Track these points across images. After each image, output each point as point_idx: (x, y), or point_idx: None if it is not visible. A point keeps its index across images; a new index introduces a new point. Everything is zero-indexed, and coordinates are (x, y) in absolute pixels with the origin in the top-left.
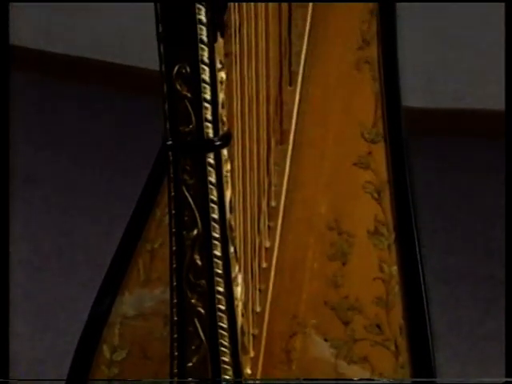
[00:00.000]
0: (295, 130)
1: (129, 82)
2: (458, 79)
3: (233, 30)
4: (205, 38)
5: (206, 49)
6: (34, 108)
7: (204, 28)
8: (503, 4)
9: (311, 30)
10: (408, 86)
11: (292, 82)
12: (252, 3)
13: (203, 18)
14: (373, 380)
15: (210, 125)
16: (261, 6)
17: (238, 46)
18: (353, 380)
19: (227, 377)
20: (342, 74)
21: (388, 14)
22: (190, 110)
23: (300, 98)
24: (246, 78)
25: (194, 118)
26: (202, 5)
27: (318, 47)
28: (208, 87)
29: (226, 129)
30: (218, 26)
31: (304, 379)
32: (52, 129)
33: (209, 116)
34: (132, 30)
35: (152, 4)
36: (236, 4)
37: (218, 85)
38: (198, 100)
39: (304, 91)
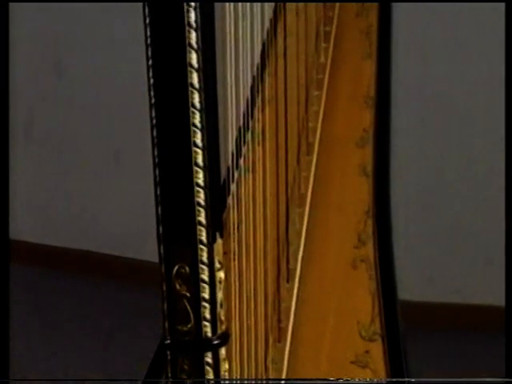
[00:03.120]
0: (293, 327)
1: (127, 275)
2: (458, 275)
3: (232, 229)
4: (204, 239)
5: (205, 249)
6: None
7: (203, 229)
8: None
9: (309, 228)
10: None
11: (289, 278)
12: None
13: (203, 219)
14: (371, 380)
15: (208, 324)
16: (259, 191)
17: (236, 244)
18: (353, 380)
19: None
20: (338, 272)
21: (384, 216)
22: (189, 309)
23: (297, 294)
24: (244, 275)
25: (192, 317)
26: (202, 207)
27: (314, 243)
28: (207, 287)
29: (224, 327)
30: (217, 226)
31: (299, 379)
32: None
33: (207, 315)
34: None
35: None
36: (235, 203)
37: (217, 284)
38: (196, 299)
39: (301, 288)
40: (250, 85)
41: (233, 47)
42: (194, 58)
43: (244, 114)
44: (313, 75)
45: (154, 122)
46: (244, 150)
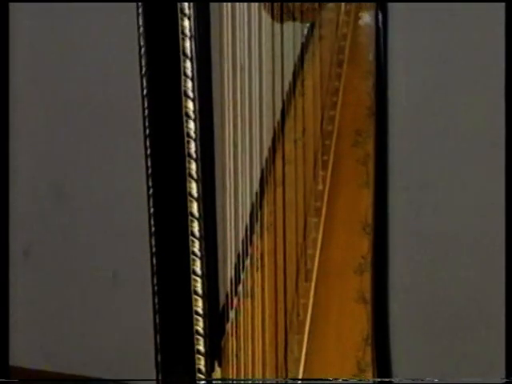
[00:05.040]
0: None
1: None
2: None
3: (230, 357)
4: (203, 368)
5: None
6: None
7: (202, 358)
8: None
9: (307, 357)
10: None
11: None
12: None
13: (201, 348)
14: (368, 380)
15: None
16: (257, 318)
17: (235, 372)
18: (353, 380)
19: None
20: None
21: (383, 344)
22: None
23: None
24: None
25: None
26: (201, 335)
27: (313, 372)
28: None
29: None
30: (215, 354)
31: (294, 379)
32: None
33: None
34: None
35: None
36: (234, 330)
37: None
38: None
39: None
40: (249, 212)
41: (232, 182)
42: (194, 188)
43: (243, 241)
44: (311, 202)
45: (155, 262)
46: (243, 276)
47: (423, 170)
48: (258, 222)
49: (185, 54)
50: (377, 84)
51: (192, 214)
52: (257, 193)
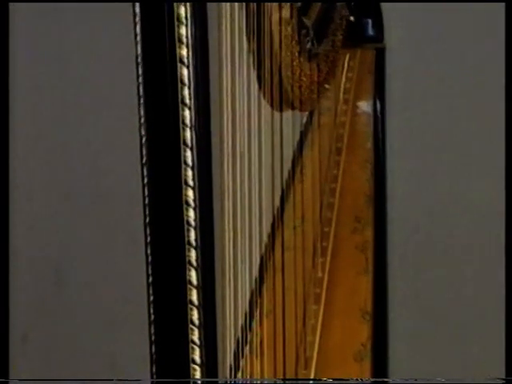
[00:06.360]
0: None
1: None
2: None
3: None
4: None
5: None
6: None
7: None
8: None
9: None
10: None
11: None
12: None
13: None
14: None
15: None
16: None
17: None
18: (353, 380)
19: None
20: None
21: None
22: None
23: None
24: None
25: None
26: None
27: None
28: None
29: None
30: None
31: (290, 379)
32: None
33: None
34: None
35: None
36: None
37: None
38: None
39: None
40: (248, 299)
41: (231, 269)
42: (193, 276)
43: (242, 327)
44: (310, 289)
45: (154, 351)
46: (242, 363)
47: (422, 256)
48: (258, 309)
49: (185, 144)
50: (375, 171)
51: (192, 302)
52: (256, 279)
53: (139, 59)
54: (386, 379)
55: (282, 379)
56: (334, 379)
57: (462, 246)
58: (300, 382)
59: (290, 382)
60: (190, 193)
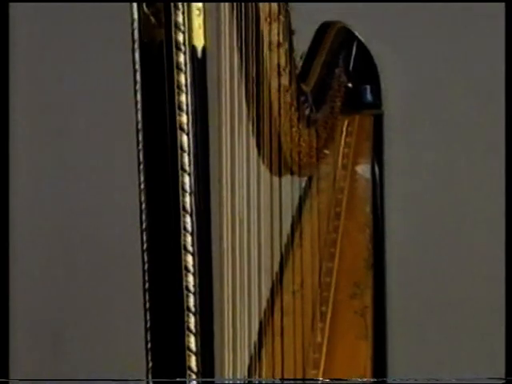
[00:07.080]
0: None
1: None
2: None
3: None
4: None
5: None
6: None
7: None
8: None
9: None
10: None
11: None
12: None
13: None
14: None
15: None
16: None
17: None
18: (352, 380)
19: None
20: None
21: None
22: None
23: None
24: None
25: None
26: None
27: None
28: None
29: None
30: None
31: (287, 379)
32: None
33: None
34: None
35: None
36: None
37: None
38: None
39: None
40: (247, 365)
41: (230, 334)
42: (192, 343)
43: None
44: (309, 354)
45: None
46: None
47: (422, 321)
48: (256, 375)
49: (185, 210)
50: (374, 236)
51: (190, 368)
52: (255, 344)
53: (139, 126)
54: (385, 379)
55: (282, 379)
56: (334, 379)
57: (463, 311)
58: (300, 382)
59: (290, 382)
60: (190, 259)
